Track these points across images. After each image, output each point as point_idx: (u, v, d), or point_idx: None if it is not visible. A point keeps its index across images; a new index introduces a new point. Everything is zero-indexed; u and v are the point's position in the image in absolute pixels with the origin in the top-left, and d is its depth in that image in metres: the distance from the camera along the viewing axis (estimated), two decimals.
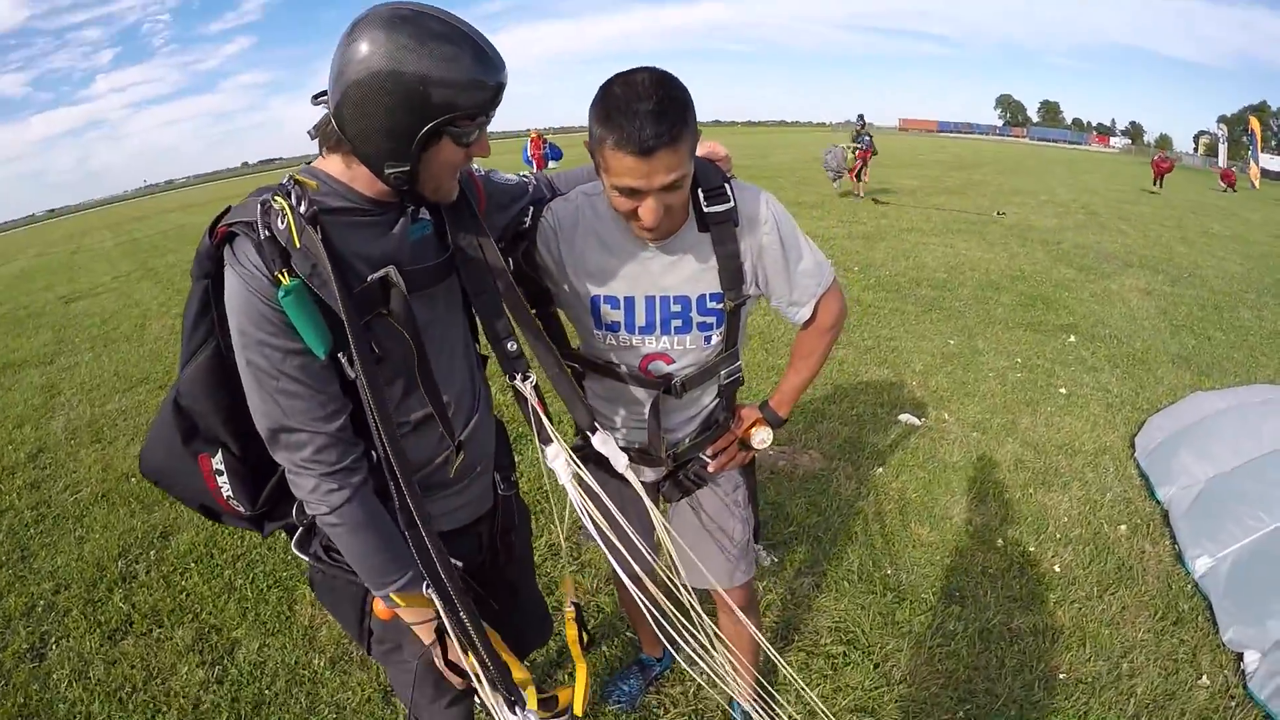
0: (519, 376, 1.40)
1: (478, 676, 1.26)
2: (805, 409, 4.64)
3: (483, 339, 1.47)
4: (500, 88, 1.12)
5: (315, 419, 1.17)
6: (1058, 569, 3.08)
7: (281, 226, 1.07)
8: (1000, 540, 3.25)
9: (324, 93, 1.14)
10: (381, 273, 1.18)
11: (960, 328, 6.30)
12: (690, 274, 1.54)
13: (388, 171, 1.13)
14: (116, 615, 3.12)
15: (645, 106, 1.24)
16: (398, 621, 1.35)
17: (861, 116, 16.70)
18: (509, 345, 1.39)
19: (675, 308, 1.56)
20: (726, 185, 1.51)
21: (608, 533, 1.39)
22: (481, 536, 1.59)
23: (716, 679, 1.49)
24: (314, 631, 2.88)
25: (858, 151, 15.32)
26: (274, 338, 1.11)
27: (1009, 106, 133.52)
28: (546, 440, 1.43)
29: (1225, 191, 22.95)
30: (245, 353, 1.13)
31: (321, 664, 2.71)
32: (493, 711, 1.25)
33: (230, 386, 1.20)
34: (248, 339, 1.12)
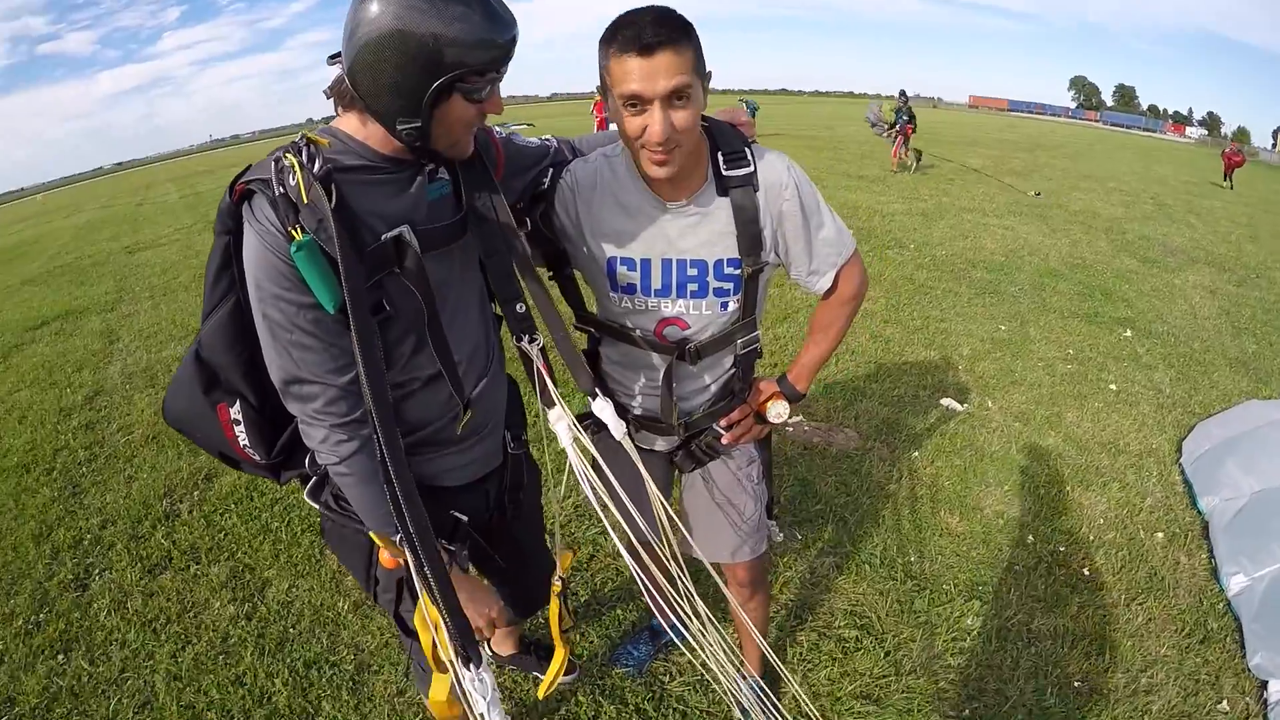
0: (526, 338, 1.43)
1: (436, 627, 1.27)
2: (845, 387, 4.61)
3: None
4: (511, 44, 1.14)
5: (327, 371, 1.21)
6: (1086, 572, 3.01)
7: (292, 183, 1.10)
8: (1030, 537, 3.19)
9: (338, 53, 1.16)
10: (395, 231, 1.20)
11: (1013, 314, 6.13)
12: (707, 237, 1.53)
13: (399, 127, 1.15)
14: (158, 551, 3.28)
15: (646, 16, 1.28)
16: (401, 571, 1.38)
17: (903, 92, 16.45)
18: (517, 307, 1.42)
19: (691, 271, 1.55)
20: (747, 149, 1.50)
21: (604, 498, 1.40)
22: (489, 493, 1.63)
23: (699, 650, 1.50)
24: (341, 576, 2.99)
25: (899, 125, 15.44)
26: (288, 292, 1.14)
27: (1083, 89, 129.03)
28: (550, 403, 1.46)
29: None
30: (261, 306, 1.17)
31: (345, 607, 2.82)
32: (447, 664, 1.27)
33: (249, 340, 1.24)
34: (263, 293, 1.15)
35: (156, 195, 24.30)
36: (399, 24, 1.04)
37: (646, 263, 1.55)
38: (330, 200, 1.10)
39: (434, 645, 1.28)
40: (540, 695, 1.64)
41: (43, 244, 15.63)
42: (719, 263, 1.54)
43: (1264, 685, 2.48)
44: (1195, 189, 16.36)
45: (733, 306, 1.59)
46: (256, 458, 1.38)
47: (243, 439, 1.34)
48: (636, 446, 1.71)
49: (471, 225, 1.35)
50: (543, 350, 1.44)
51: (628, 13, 1.31)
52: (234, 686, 2.52)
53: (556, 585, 1.68)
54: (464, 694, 1.25)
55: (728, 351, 1.67)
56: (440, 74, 1.09)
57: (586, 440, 1.47)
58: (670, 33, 1.27)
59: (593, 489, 1.41)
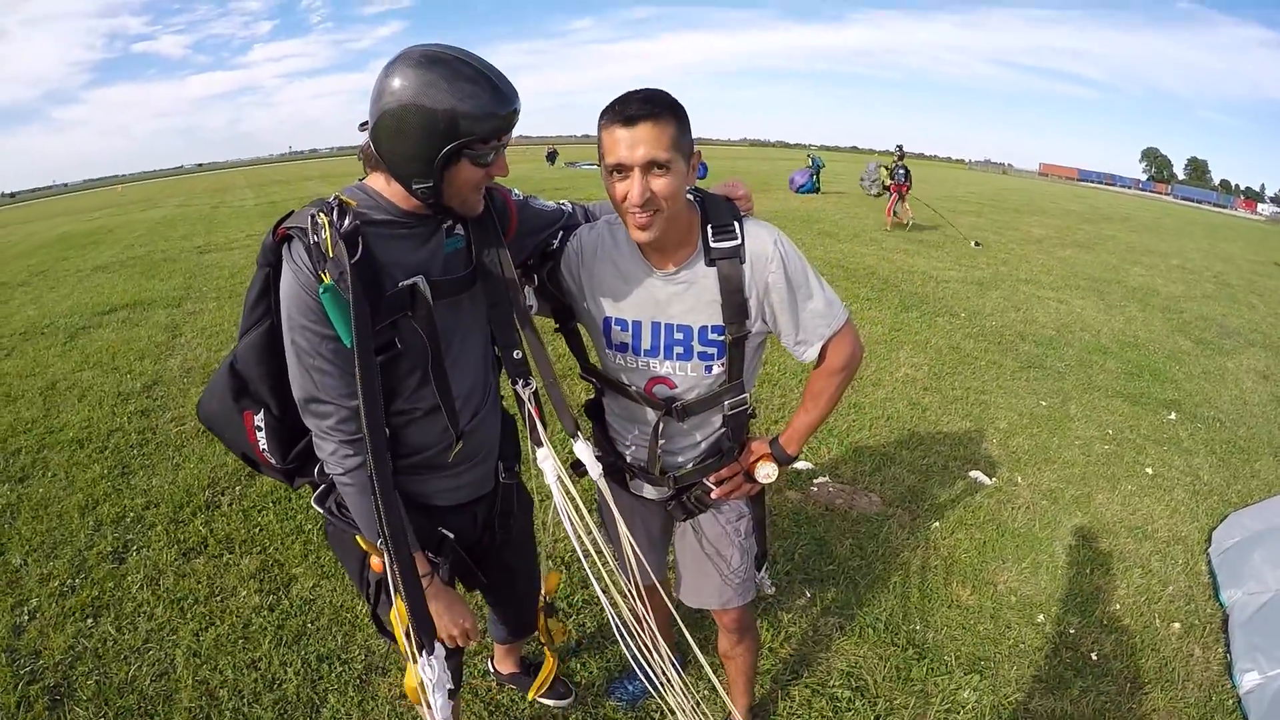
0: (520, 382, 1.58)
1: (403, 622, 1.42)
2: (875, 451, 4.62)
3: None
4: (513, 116, 1.32)
5: (341, 395, 1.37)
6: (1094, 657, 2.98)
7: (322, 236, 1.27)
8: (1041, 616, 3.18)
9: (367, 121, 1.33)
10: (410, 281, 1.38)
11: (1056, 389, 6.07)
12: (693, 305, 1.64)
13: (415, 187, 1.33)
14: (195, 536, 3.46)
15: (636, 94, 1.45)
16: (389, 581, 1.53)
17: (900, 147, 16.29)
18: (514, 353, 1.58)
19: (678, 335, 1.66)
20: (736, 223, 1.61)
21: (583, 537, 1.52)
22: (478, 516, 1.77)
23: (663, 690, 1.60)
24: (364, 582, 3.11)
25: (891, 185, 15.37)
26: (314, 324, 1.32)
27: (1154, 160, 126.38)
28: (539, 443, 1.59)
29: None
30: (290, 333, 1.35)
31: (363, 611, 2.95)
32: (405, 653, 1.42)
33: (277, 359, 1.42)
34: (293, 322, 1.33)
35: (233, 199, 25.27)
36: (417, 98, 1.23)
37: (638, 324, 1.68)
38: (356, 252, 1.29)
39: (405, 636, 1.43)
40: (529, 697, 1.76)
41: (118, 234, 16.38)
42: (704, 329, 1.65)
43: None
44: (1262, 269, 15.89)
45: (717, 370, 1.69)
46: (273, 461, 1.55)
47: (263, 443, 1.52)
48: (633, 494, 1.88)
49: (480, 278, 1.51)
50: (535, 394, 1.59)
51: (621, 95, 1.46)
52: (249, 669, 2.67)
53: (542, 602, 1.86)
54: (418, 677, 1.40)
55: (715, 411, 1.77)
56: (449, 141, 1.26)
57: (568, 480, 1.59)
58: (653, 109, 1.42)
59: (573, 526, 1.53)
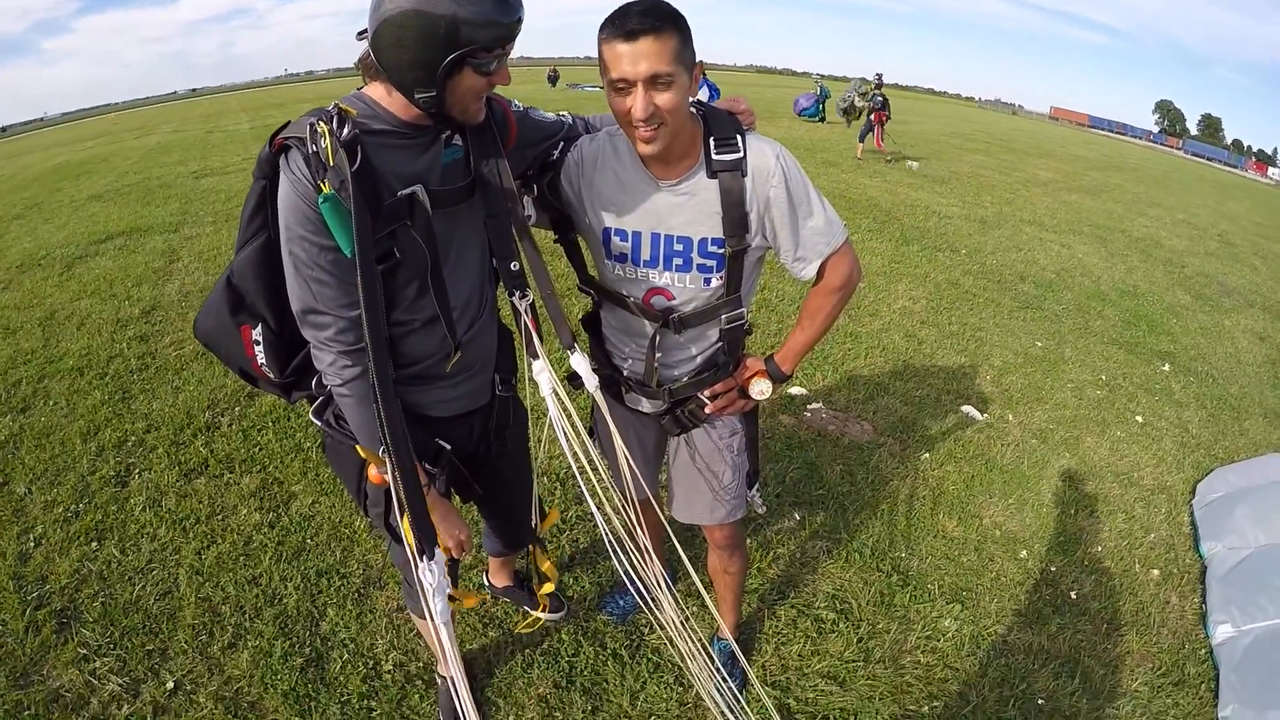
0: (517, 294, 1.58)
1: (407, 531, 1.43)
2: (869, 381, 4.69)
3: None
4: (517, 24, 1.29)
5: (339, 305, 1.38)
6: (1073, 596, 3.05)
7: (322, 146, 1.26)
8: (1024, 553, 3.25)
9: (365, 30, 1.31)
10: (409, 190, 1.37)
11: (1052, 332, 6.10)
12: (693, 216, 1.65)
13: (417, 96, 1.31)
14: (195, 458, 3.51)
15: (635, 7, 1.42)
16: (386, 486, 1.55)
17: (879, 75, 15.98)
18: (511, 265, 1.57)
19: (677, 246, 1.68)
20: (739, 136, 1.61)
21: (577, 450, 1.54)
22: (474, 428, 1.79)
23: (653, 605, 1.63)
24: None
25: (874, 113, 15.10)
26: (312, 235, 1.31)
27: (1168, 113, 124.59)
28: (534, 355, 1.60)
29: None
30: (288, 245, 1.34)
31: (361, 526, 3.04)
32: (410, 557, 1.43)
33: (274, 272, 1.41)
34: (291, 234, 1.33)
35: (228, 124, 24.79)
36: (420, 5, 1.20)
37: (638, 235, 1.69)
38: (355, 161, 1.27)
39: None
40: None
41: (112, 162, 16.12)
42: (703, 241, 1.66)
43: None
44: (1267, 231, 15.79)
45: (715, 283, 1.71)
46: (271, 375, 1.56)
47: (261, 358, 1.53)
48: (628, 408, 1.91)
49: (478, 188, 1.50)
50: (532, 307, 1.60)
51: (620, 8, 1.44)
52: (250, 585, 2.74)
53: (538, 532, 1.91)
54: (419, 581, 1.39)
55: (712, 325, 1.78)
56: (453, 50, 1.24)
57: (563, 392, 1.60)
58: (654, 21, 1.40)
59: (567, 439, 1.55)
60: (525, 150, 1.68)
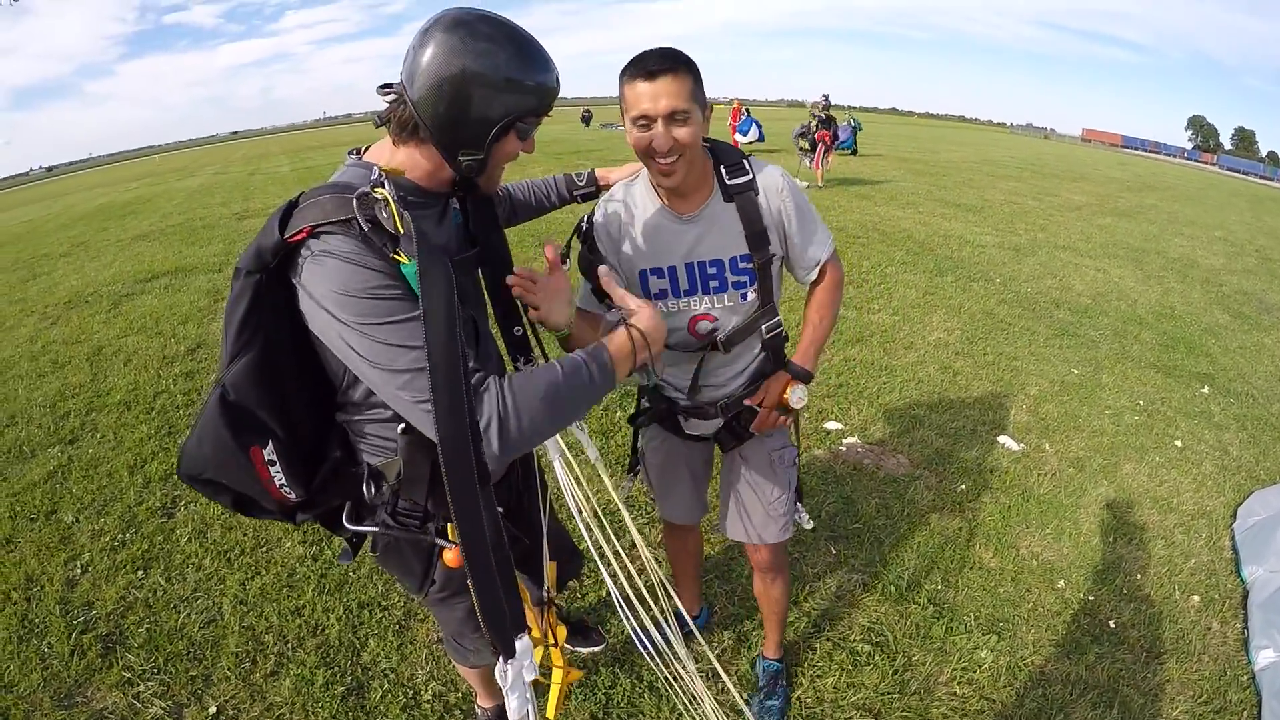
0: (521, 359, 1.61)
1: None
2: (905, 414, 4.67)
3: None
4: (558, 90, 1.31)
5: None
6: (1112, 625, 3.01)
7: (385, 215, 1.16)
8: (1062, 582, 3.22)
9: (389, 85, 1.28)
10: None
11: (1088, 358, 6.03)
12: (720, 239, 1.80)
13: (462, 158, 1.27)
14: None
15: (654, 51, 1.59)
16: (458, 573, 1.55)
17: (826, 96, 15.65)
18: (515, 330, 1.60)
19: (711, 270, 1.81)
20: (745, 161, 1.80)
21: (583, 506, 1.60)
22: (513, 483, 1.81)
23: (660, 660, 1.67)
24: None
25: (817, 133, 14.65)
26: (399, 295, 1.16)
27: (1201, 129, 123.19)
28: None
29: None
30: (377, 319, 1.15)
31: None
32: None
33: (280, 379, 1.29)
34: (375, 307, 1.15)
35: (268, 166, 25.50)
36: (483, 67, 1.18)
37: (673, 269, 1.82)
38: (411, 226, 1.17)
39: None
40: (550, 716, 1.78)
41: (157, 203, 16.67)
42: (733, 259, 1.81)
43: None
44: None
45: (751, 296, 1.85)
46: (292, 496, 1.38)
47: (279, 479, 1.35)
48: (683, 435, 2.08)
49: (486, 259, 1.54)
50: None
51: (641, 51, 1.61)
52: (293, 616, 2.82)
53: (547, 596, 1.90)
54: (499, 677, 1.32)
55: (755, 337, 1.92)
56: (509, 113, 1.23)
57: (567, 452, 1.68)
58: (672, 63, 1.56)
59: (573, 499, 1.62)
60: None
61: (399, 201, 1.19)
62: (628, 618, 1.64)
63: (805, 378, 1.94)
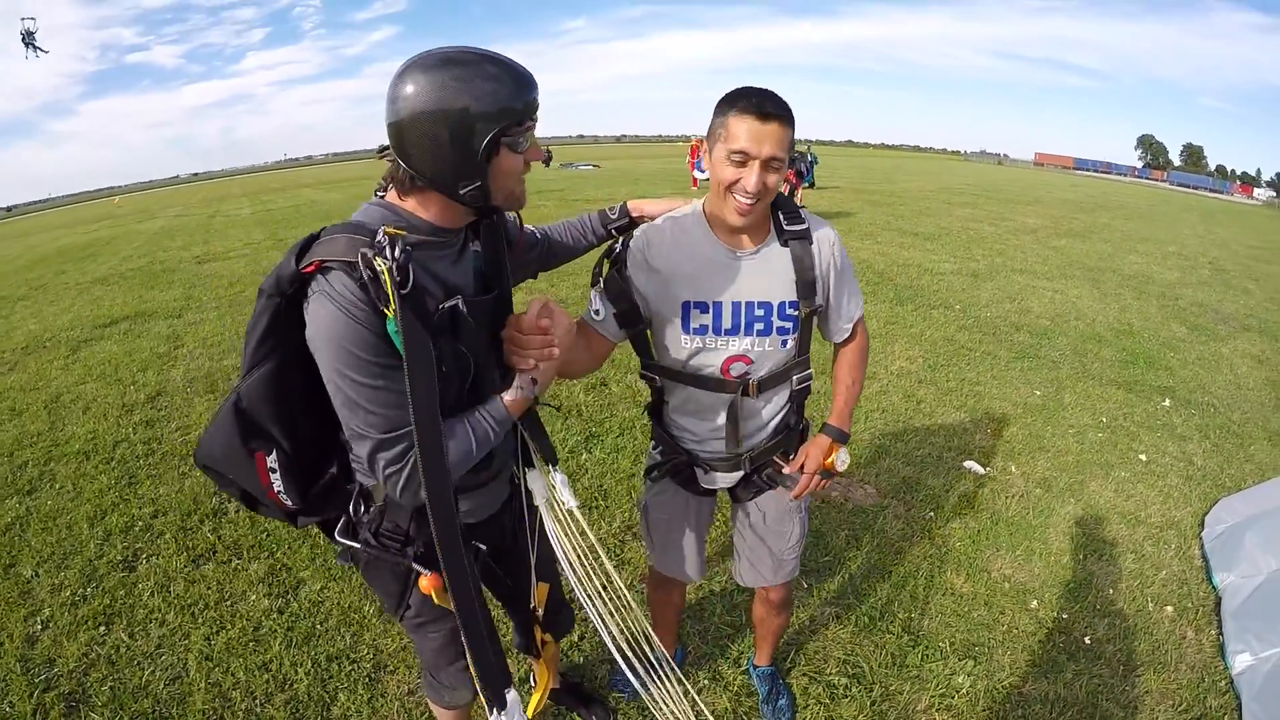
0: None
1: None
2: (870, 444, 4.69)
3: None
4: (537, 97, 1.31)
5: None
6: (1088, 641, 3.03)
7: (381, 281, 1.19)
8: (1035, 602, 3.23)
9: (387, 146, 1.30)
10: (451, 303, 1.35)
11: (1050, 379, 6.13)
12: (772, 282, 1.78)
13: (462, 191, 1.29)
14: (203, 543, 3.52)
15: (767, 92, 1.59)
16: (433, 601, 1.55)
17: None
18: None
19: (759, 312, 1.79)
20: (800, 211, 1.83)
21: (569, 555, 1.60)
22: (504, 523, 1.80)
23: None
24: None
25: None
26: (376, 358, 1.24)
27: (1150, 148, 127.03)
28: (530, 464, 1.65)
29: None
30: (345, 370, 1.25)
31: (371, 611, 3.03)
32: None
33: (290, 395, 1.36)
34: (348, 358, 1.24)
35: (229, 208, 25.32)
36: (443, 103, 1.20)
37: (719, 305, 1.78)
38: (409, 283, 1.20)
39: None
40: (529, 715, 1.77)
41: (117, 245, 16.48)
42: (782, 304, 1.79)
43: None
44: (1258, 253, 15.94)
45: (790, 344, 1.84)
46: (288, 503, 1.47)
47: (277, 485, 1.43)
48: (697, 490, 2.06)
49: (503, 293, 1.52)
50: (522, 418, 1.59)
51: (750, 86, 1.61)
52: (260, 671, 2.73)
53: (535, 612, 1.93)
54: None
55: (785, 387, 1.91)
56: (487, 132, 1.23)
57: (555, 499, 1.66)
58: (785, 112, 1.57)
59: (559, 545, 1.59)
60: (528, 254, 1.77)
61: (415, 245, 1.26)
62: (623, 661, 1.65)
63: (845, 439, 1.96)
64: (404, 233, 1.27)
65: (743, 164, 1.59)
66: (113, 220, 27.70)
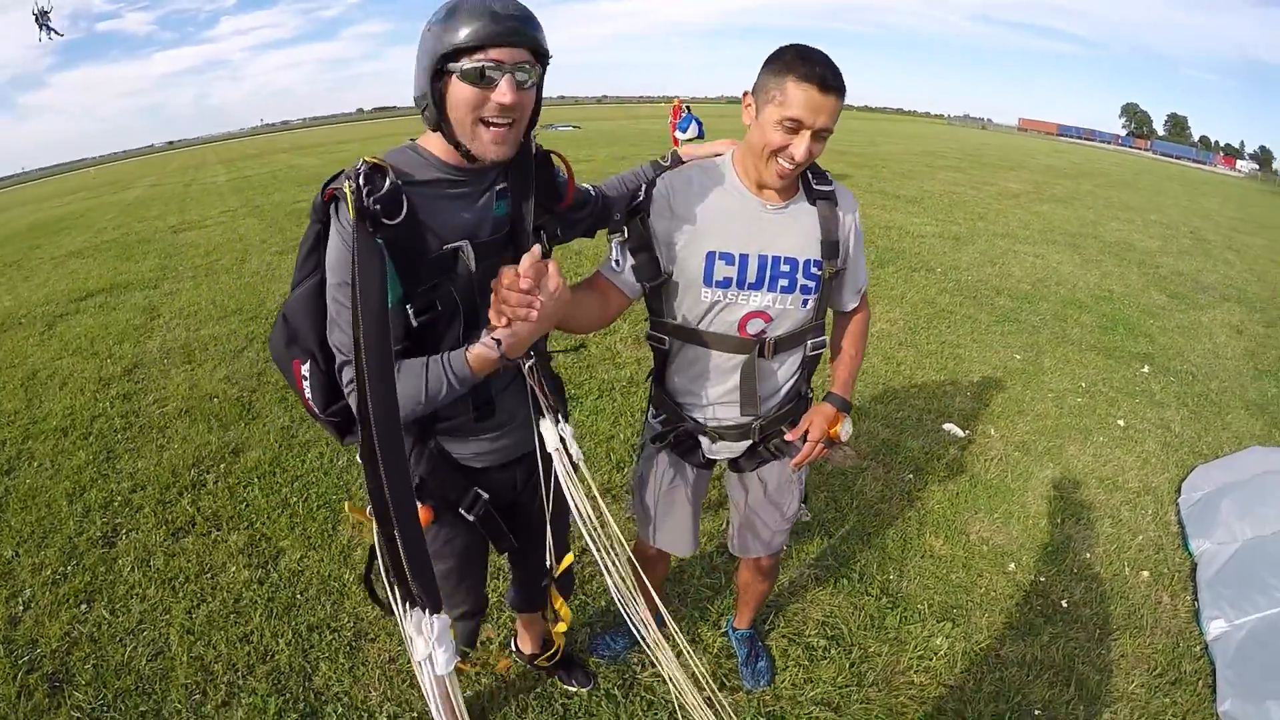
0: (530, 359, 1.54)
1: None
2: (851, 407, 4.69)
3: None
4: (494, 24, 1.24)
5: None
6: (1064, 604, 3.07)
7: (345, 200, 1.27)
8: (1012, 565, 3.27)
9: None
10: (455, 245, 1.40)
11: (1030, 343, 6.17)
12: (800, 239, 1.76)
13: (423, 115, 1.36)
14: (182, 516, 3.50)
15: (828, 62, 1.54)
16: None
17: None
18: None
19: (784, 267, 1.76)
20: (826, 173, 1.82)
21: (582, 503, 1.53)
22: (516, 477, 1.79)
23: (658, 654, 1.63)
24: (350, 551, 3.21)
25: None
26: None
27: (1134, 116, 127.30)
28: (540, 413, 1.59)
29: None
30: (332, 290, 1.37)
31: (351, 579, 3.03)
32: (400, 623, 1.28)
33: (323, 312, 1.43)
34: (336, 278, 1.36)
35: (205, 176, 24.90)
36: (423, 31, 1.29)
37: (745, 257, 1.74)
38: (400, 212, 1.28)
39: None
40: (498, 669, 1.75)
41: (90, 218, 16.17)
42: (808, 262, 1.77)
43: None
44: (1239, 224, 16.03)
45: (810, 304, 1.81)
46: (316, 410, 1.55)
47: (308, 392, 1.52)
48: (698, 462, 2.05)
49: (517, 240, 1.51)
50: (534, 367, 1.55)
51: (809, 49, 1.56)
52: (241, 643, 2.73)
53: (553, 576, 1.90)
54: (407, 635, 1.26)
55: (798, 350, 1.90)
56: (436, 54, 1.26)
57: (572, 448, 1.57)
58: (842, 83, 1.55)
59: (570, 493, 1.53)
60: (575, 213, 1.75)
61: (426, 183, 1.38)
62: (625, 609, 1.58)
63: (848, 408, 1.97)
64: (386, 164, 1.31)
65: (794, 131, 1.56)
66: (87, 192, 27.23)
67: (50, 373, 5.49)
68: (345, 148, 31.46)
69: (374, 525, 1.28)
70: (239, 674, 2.60)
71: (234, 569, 3.12)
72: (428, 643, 1.24)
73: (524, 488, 1.82)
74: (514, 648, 2.64)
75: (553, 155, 1.62)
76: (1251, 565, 3.07)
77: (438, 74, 1.28)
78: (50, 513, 3.60)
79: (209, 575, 3.10)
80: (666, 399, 1.99)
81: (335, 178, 1.33)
